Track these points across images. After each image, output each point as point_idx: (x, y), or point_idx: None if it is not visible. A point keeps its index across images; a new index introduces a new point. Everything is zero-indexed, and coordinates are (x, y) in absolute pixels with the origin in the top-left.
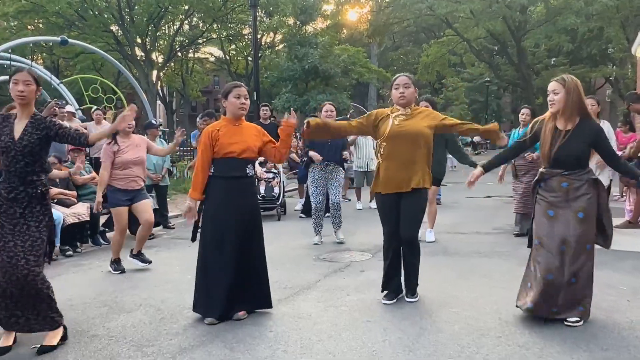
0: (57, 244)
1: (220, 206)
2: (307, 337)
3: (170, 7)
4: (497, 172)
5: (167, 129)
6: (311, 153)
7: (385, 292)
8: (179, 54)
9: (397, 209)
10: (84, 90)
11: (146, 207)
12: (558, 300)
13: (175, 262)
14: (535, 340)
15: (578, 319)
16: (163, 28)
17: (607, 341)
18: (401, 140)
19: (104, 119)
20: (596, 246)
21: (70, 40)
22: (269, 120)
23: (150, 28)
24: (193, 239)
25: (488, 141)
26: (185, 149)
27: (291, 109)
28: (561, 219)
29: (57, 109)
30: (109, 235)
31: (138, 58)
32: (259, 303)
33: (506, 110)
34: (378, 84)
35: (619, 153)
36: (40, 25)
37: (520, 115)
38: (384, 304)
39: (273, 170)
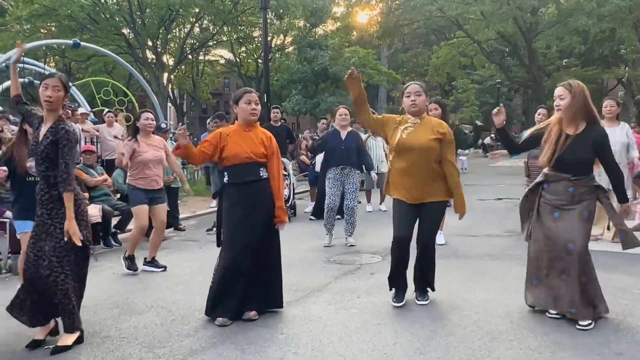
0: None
1: (238, 211)
2: (317, 340)
3: (181, 10)
4: (503, 175)
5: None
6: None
7: (394, 291)
8: (190, 56)
9: (414, 217)
10: (95, 93)
11: (162, 210)
12: (575, 300)
13: (186, 264)
14: (547, 344)
15: (590, 321)
16: (174, 31)
17: (621, 345)
18: (409, 152)
19: (116, 121)
20: (607, 249)
21: (82, 43)
22: (279, 123)
23: (161, 31)
24: (218, 244)
25: (499, 144)
26: None
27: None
28: (566, 219)
29: (69, 111)
30: (120, 237)
31: (149, 61)
32: (271, 303)
33: (517, 112)
34: (388, 86)
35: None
36: (53, 29)
37: (536, 115)
38: (395, 306)
39: (283, 172)
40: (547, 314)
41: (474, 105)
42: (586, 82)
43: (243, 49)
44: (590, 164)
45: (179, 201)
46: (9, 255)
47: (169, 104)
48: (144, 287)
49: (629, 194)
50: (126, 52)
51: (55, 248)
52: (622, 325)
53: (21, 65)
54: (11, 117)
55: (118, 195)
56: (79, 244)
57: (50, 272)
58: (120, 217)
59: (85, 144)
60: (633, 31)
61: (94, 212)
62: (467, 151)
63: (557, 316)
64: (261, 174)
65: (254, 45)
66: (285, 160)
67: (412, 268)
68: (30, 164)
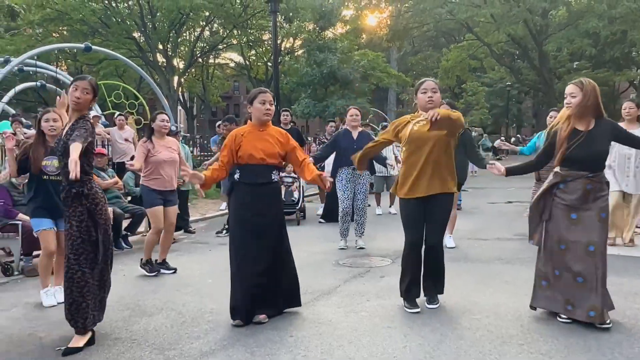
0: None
1: (247, 212)
2: (327, 343)
3: (191, 13)
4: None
5: (188, 134)
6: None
7: (408, 299)
8: (200, 59)
9: (423, 216)
10: (106, 96)
11: (173, 212)
12: (596, 304)
13: (196, 266)
14: (558, 348)
15: (610, 320)
16: (184, 34)
17: (633, 350)
18: (421, 144)
19: (126, 124)
20: (620, 253)
21: (93, 47)
22: (289, 125)
23: (171, 34)
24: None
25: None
26: (206, 154)
27: (325, 177)
28: (585, 221)
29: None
30: (131, 239)
31: (160, 64)
32: (290, 302)
33: (527, 115)
34: (397, 88)
35: None
36: (65, 33)
37: (548, 118)
38: (412, 312)
39: (292, 174)
40: (558, 318)
41: (484, 108)
42: (597, 84)
43: (253, 52)
44: (605, 157)
45: (189, 204)
46: (22, 257)
47: (179, 107)
48: (154, 290)
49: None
50: (137, 55)
51: (72, 245)
52: (634, 329)
53: (34, 68)
54: (24, 120)
55: (129, 198)
56: (73, 177)
57: (67, 269)
58: (131, 219)
59: (97, 147)
60: None
61: None
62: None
63: (568, 320)
64: (273, 177)
65: (264, 48)
66: None
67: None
68: (46, 162)
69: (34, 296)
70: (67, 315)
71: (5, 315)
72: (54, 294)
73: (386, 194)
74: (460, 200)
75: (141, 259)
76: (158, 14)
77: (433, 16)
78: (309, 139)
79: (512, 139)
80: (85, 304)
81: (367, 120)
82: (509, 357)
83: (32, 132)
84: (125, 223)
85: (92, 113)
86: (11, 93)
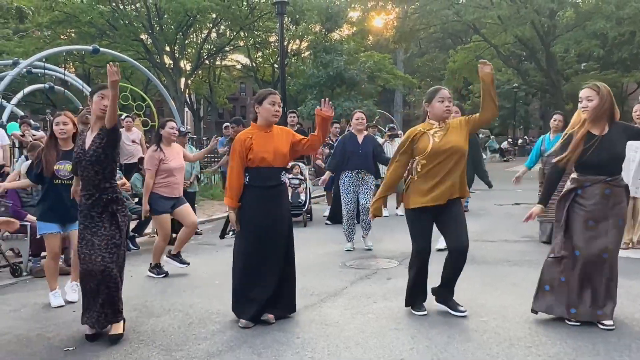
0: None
1: (257, 214)
2: (334, 344)
3: (198, 15)
4: (526, 179)
5: (195, 136)
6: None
7: (414, 303)
8: (207, 61)
9: (433, 225)
10: None
11: (189, 210)
12: (605, 304)
13: (203, 268)
14: (566, 350)
15: (612, 322)
16: (191, 36)
17: None
18: (445, 157)
19: (134, 126)
20: (629, 255)
21: (101, 49)
22: (296, 127)
23: (178, 36)
24: (222, 236)
25: (516, 148)
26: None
27: (326, 99)
28: (601, 229)
29: (88, 117)
30: (138, 240)
31: (167, 66)
32: (287, 308)
33: (535, 117)
34: (404, 90)
35: None
36: (73, 35)
37: (552, 121)
38: (420, 315)
39: (299, 176)
40: (567, 321)
41: None
42: None
43: (259, 54)
44: (623, 159)
45: (195, 205)
46: (30, 258)
47: (186, 109)
48: (162, 291)
49: None
50: (144, 57)
51: (108, 245)
52: None
53: (42, 70)
54: (32, 122)
55: (136, 200)
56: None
57: (104, 267)
58: (138, 220)
59: None
60: None
61: None
62: (485, 155)
63: (577, 323)
64: (282, 179)
65: (270, 50)
66: (301, 164)
67: (431, 277)
68: (58, 167)
69: (42, 297)
70: (104, 310)
71: (14, 316)
72: (74, 289)
73: (392, 196)
74: (467, 202)
75: (150, 263)
76: (165, 16)
77: (440, 18)
78: None
79: (519, 141)
80: (117, 297)
81: (374, 122)
82: None
83: (41, 133)
84: (132, 224)
85: None
86: (20, 95)
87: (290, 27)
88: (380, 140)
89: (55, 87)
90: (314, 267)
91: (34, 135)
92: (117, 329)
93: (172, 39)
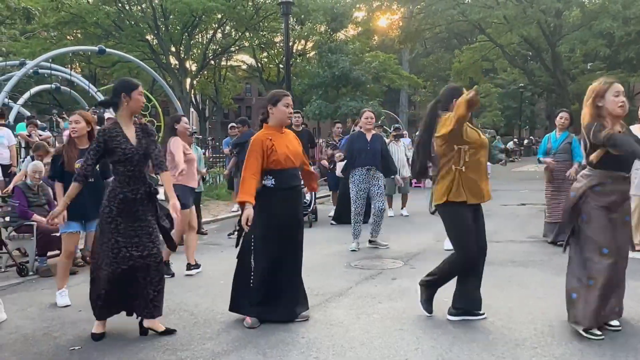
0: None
1: (286, 217)
2: (339, 344)
3: (203, 16)
4: (526, 180)
5: (200, 136)
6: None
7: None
8: (212, 62)
9: None
10: None
11: (194, 212)
12: (621, 303)
13: (208, 268)
14: (572, 351)
15: (619, 322)
16: (197, 37)
17: None
18: (483, 151)
19: None
20: (633, 256)
21: (107, 49)
22: (301, 127)
23: (184, 37)
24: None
25: (522, 148)
26: (218, 156)
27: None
28: (617, 224)
29: (95, 117)
30: None
31: (172, 66)
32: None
33: (540, 117)
34: (409, 90)
35: None
36: (79, 36)
37: (558, 119)
38: (453, 320)
39: None
40: (606, 326)
41: (497, 109)
42: None
43: (265, 54)
44: None
45: (201, 205)
46: (36, 258)
47: (192, 109)
48: (167, 291)
49: None
50: (150, 58)
51: (156, 236)
52: None
53: (48, 71)
54: (39, 122)
55: None
56: (176, 214)
57: (160, 258)
58: None
59: None
60: None
61: None
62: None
63: (619, 328)
64: (301, 180)
65: (276, 50)
66: None
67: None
68: (77, 165)
69: (48, 296)
70: (152, 303)
71: (20, 315)
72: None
73: (397, 196)
74: None
75: (188, 264)
76: (171, 17)
77: (445, 17)
78: (322, 141)
79: (525, 141)
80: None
81: (379, 122)
82: None
83: (47, 134)
84: None
85: (107, 115)
86: (26, 95)
87: (296, 27)
88: (385, 140)
89: (62, 87)
90: (319, 268)
91: (40, 135)
92: (160, 326)
93: (177, 39)
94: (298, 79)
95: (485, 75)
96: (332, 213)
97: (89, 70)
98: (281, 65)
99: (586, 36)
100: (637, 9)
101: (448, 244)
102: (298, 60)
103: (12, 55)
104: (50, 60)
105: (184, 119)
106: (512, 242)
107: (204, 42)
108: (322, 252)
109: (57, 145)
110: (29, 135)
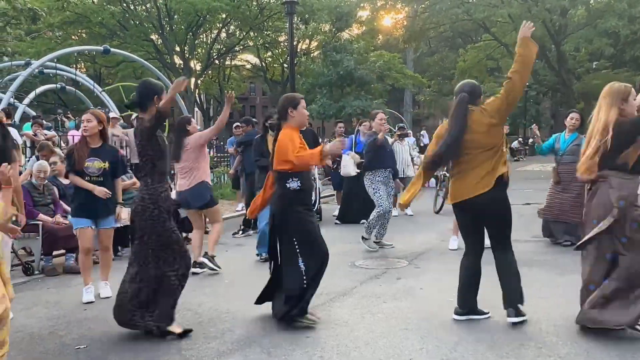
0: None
1: (312, 215)
2: (343, 344)
3: (208, 16)
4: (531, 179)
5: None
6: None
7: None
8: (217, 61)
9: None
10: (125, 98)
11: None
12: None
13: None
14: (577, 351)
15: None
16: (201, 36)
17: None
18: None
19: None
20: None
21: (112, 49)
22: (305, 127)
23: (188, 36)
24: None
25: (527, 147)
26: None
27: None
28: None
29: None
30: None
31: (177, 66)
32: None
33: (545, 116)
34: (414, 89)
35: None
36: (84, 36)
37: (569, 119)
38: (458, 320)
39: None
40: (634, 331)
41: None
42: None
43: (269, 53)
44: None
45: None
46: (42, 257)
47: (196, 109)
48: None
49: None
50: (155, 57)
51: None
52: None
53: (54, 71)
54: (44, 121)
55: None
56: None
57: (161, 271)
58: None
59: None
60: None
61: (124, 215)
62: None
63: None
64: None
65: (280, 49)
66: None
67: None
68: (87, 164)
69: (54, 295)
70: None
71: (26, 314)
72: (109, 287)
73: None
74: None
75: (212, 256)
76: (175, 17)
77: (450, 16)
78: (326, 141)
79: (530, 140)
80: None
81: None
82: None
83: (52, 133)
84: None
85: (111, 115)
86: (32, 95)
87: (300, 26)
88: (390, 140)
89: (67, 87)
90: None
91: (45, 135)
92: (178, 328)
93: (182, 39)
94: (302, 79)
95: (490, 74)
96: (336, 212)
97: (94, 70)
98: (285, 65)
99: (591, 35)
100: None
101: (453, 244)
102: (302, 60)
103: (18, 55)
104: (56, 60)
105: (193, 120)
106: (517, 241)
107: (209, 41)
108: None
109: (62, 144)
110: (35, 135)
